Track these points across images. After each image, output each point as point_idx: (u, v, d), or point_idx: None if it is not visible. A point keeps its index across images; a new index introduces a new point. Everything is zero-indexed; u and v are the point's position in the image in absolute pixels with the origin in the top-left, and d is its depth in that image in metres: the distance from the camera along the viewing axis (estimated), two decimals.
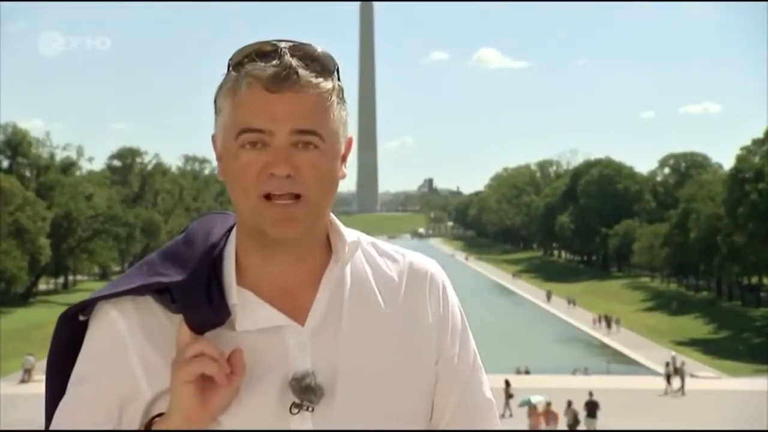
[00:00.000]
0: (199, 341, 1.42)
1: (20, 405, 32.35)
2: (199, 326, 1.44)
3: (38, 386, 36.11)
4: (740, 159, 72.46)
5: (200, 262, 1.50)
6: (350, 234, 1.56)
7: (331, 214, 1.55)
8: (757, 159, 71.04)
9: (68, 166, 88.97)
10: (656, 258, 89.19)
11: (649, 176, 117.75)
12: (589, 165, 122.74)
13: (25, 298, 76.80)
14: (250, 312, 1.48)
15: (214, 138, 1.51)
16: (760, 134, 72.04)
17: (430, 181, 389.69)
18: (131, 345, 1.47)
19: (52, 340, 1.56)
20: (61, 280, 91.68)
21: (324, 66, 1.45)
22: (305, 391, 1.43)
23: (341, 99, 1.49)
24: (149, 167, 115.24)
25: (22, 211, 70.83)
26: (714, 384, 42.65)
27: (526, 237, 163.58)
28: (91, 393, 1.47)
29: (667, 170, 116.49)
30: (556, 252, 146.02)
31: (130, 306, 1.49)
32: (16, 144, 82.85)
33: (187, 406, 1.40)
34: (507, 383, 31.82)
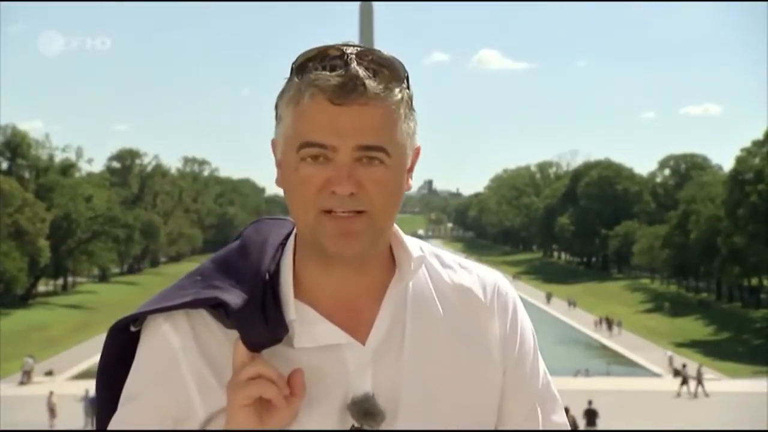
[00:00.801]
0: (257, 362, 1.35)
1: (19, 406, 32.32)
2: (256, 344, 1.37)
3: (38, 388, 36.13)
4: (740, 160, 72.42)
5: (256, 275, 1.42)
6: (414, 247, 1.47)
7: (395, 225, 1.46)
8: (757, 160, 71.04)
9: (67, 168, 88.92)
10: (656, 259, 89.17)
11: (648, 177, 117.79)
12: (588, 166, 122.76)
13: (24, 300, 76.71)
14: (309, 328, 1.40)
15: (274, 143, 1.44)
16: (760, 136, 72.09)
17: (429, 183, 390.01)
18: (185, 361, 1.40)
19: (103, 352, 1.50)
20: (60, 281, 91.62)
21: (393, 74, 1.36)
22: (366, 415, 1.36)
23: (410, 109, 1.40)
24: (148, 169, 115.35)
25: (21, 212, 70.76)
26: (714, 386, 42.55)
27: (525, 238, 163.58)
28: (143, 411, 1.41)
29: (667, 171, 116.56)
30: (555, 253, 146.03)
31: (184, 320, 1.42)
32: (16, 145, 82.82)
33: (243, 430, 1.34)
34: None
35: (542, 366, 1.55)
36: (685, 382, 37.90)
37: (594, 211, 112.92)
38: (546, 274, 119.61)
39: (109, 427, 1.44)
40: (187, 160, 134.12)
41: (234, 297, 1.39)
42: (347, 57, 1.33)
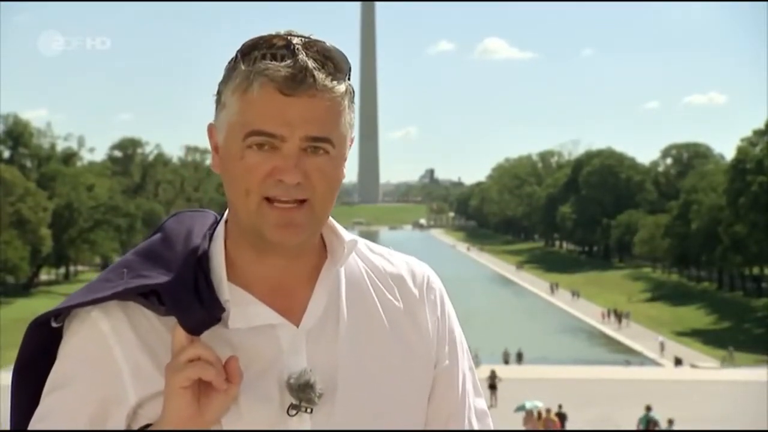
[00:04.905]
0: (196, 344, 1.34)
1: None
2: (194, 327, 1.36)
3: None
4: (741, 150, 72.34)
5: (185, 261, 1.41)
6: (345, 233, 1.50)
7: None
8: (758, 150, 70.93)
9: (69, 157, 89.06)
10: (658, 249, 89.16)
11: (651, 167, 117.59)
12: (590, 155, 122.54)
13: (26, 289, 76.93)
14: (243, 309, 1.41)
15: (211, 128, 1.44)
16: (761, 125, 71.93)
17: (431, 172, 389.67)
18: (117, 345, 1.38)
19: (21, 350, 1.45)
20: (62, 270, 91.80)
21: (338, 66, 1.38)
22: (304, 391, 1.37)
23: (351, 101, 1.42)
24: (150, 158, 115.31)
25: (23, 201, 70.90)
26: (714, 374, 42.69)
27: (527, 228, 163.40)
28: (73, 397, 1.38)
29: (669, 161, 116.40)
30: (557, 243, 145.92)
31: (116, 308, 1.40)
32: (18, 134, 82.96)
33: (182, 413, 1.32)
34: (493, 374, 32.22)
35: (468, 360, 1.57)
36: None
37: (596, 200, 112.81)
38: (548, 263, 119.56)
39: (36, 417, 1.39)
40: (188, 149, 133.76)
41: (165, 282, 1.38)
42: (294, 47, 1.35)
